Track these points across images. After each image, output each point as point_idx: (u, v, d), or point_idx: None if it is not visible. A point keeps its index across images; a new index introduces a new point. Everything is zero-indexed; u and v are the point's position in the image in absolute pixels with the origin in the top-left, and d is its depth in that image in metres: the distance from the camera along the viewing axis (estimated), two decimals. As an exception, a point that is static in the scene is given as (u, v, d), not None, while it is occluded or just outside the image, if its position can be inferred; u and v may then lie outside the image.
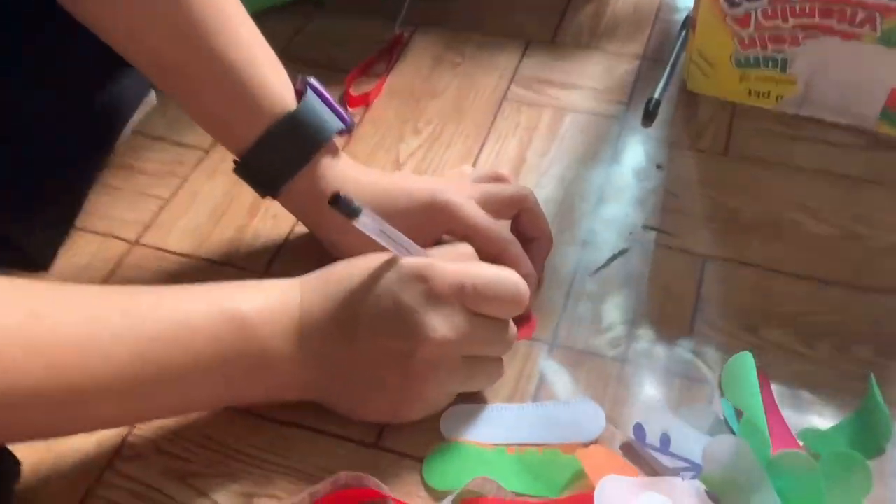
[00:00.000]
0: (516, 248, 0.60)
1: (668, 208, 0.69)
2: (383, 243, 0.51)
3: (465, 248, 0.56)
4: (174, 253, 0.67)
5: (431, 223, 0.60)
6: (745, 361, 0.53)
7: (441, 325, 0.50)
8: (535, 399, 0.57)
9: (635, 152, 0.73)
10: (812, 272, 0.64)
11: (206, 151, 0.74)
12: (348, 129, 0.62)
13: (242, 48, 0.58)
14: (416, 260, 0.52)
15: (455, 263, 0.52)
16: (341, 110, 0.62)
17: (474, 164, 0.72)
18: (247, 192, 0.69)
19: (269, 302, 0.52)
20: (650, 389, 0.58)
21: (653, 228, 0.67)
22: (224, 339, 0.49)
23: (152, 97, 0.75)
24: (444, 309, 0.51)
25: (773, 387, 0.57)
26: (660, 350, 0.60)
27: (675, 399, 0.57)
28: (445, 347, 0.51)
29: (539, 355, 0.60)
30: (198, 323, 0.49)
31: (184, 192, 0.71)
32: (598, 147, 0.74)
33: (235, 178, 0.71)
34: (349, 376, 0.53)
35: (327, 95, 0.61)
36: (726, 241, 0.66)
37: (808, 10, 0.69)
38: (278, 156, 0.60)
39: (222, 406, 0.55)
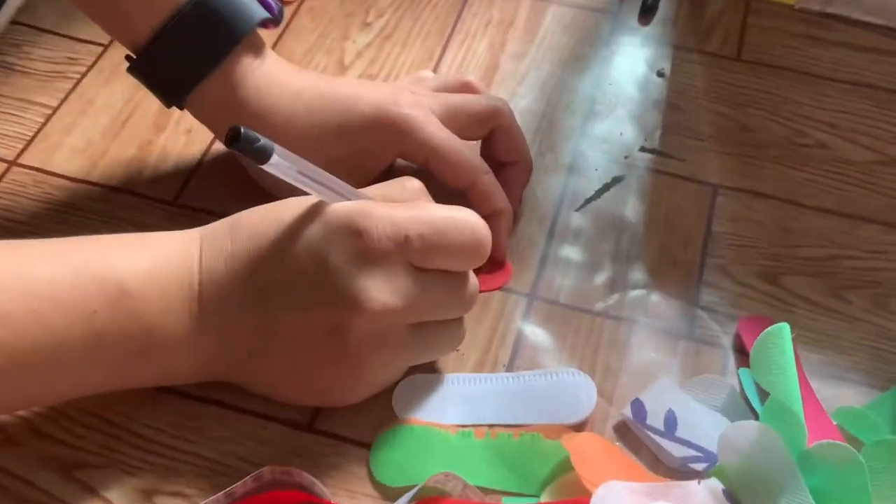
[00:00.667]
0: (488, 177, 0.49)
1: (670, 126, 0.57)
2: (306, 189, 0.40)
3: (412, 184, 0.44)
4: (61, 176, 0.54)
5: (381, 144, 0.49)
6: (782, 335, 0.42)
7: (380, 290, 0.40)
8: (510, 368, 0.46)
9: (631, 56, 0.61)
10: (843, 206, 0.54)
11: (105, 47, 0.60)
12: (275, 21, 0.50)
13: None
14: (348, 206, 0.40)
15: (397, 208, 0.41)
16: None
17: (436, 70, 0.60)
18: (152, 101, 0.57)
19: (157, 264, 0.40)
20: (651, 355, 0.47)
21: (652, 151, 0.56)
22: (98, 316, 0.38)
23: (34, -22, 0.61)
24: (383, 269, 0.40)
25: (799, 351, 0.47)
26: (662, 304, 0.49)
27: (680, 366, 0.47)
28: (387, 318, 0.40)
29: (515, 312, 0.49)
30: (62, 295, 0.38)
31: (75, 99, 0.57)
32: (586, 49, 0.61)
33: (138, 81, 0.58)
34: (265, 356, 0.42)
35: None
36: (741, 167, 0.55)
37: None
38: (182, 53, 0.47)
39: (105, 391, 0.43)
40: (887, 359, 0.47)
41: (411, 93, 0.49)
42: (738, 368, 0.46)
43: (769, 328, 0.42)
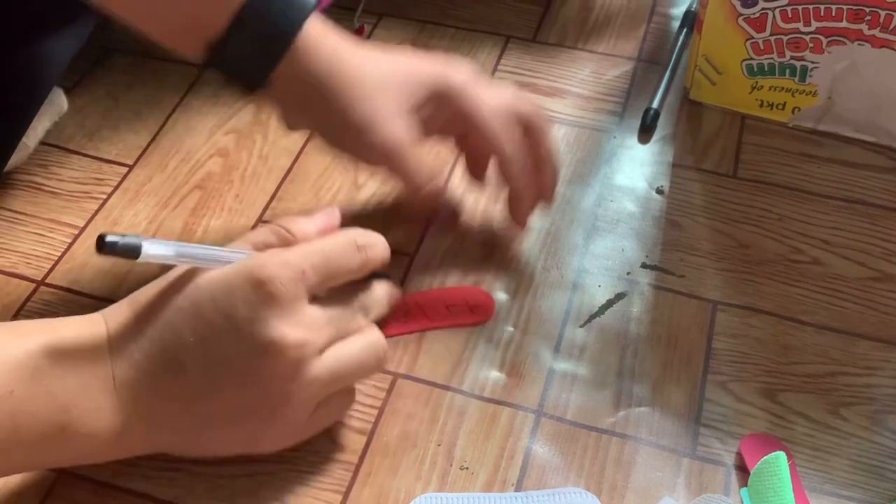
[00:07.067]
0: (517, 151, 0.55)
1: (670, 242, 0.59)
2: (190, 266, 0.44)
3: (276, 228, 0.47)
4: (87, 295, 0.56)
5: (437, 106, 0.53)
6: (778, 463, 0.43)
7: (293, 329, 0.43)
8: (518, 487, 0.48)
9: (631, 173, 0.64)
10: (839, 323, 0.55)
11: (130, 168, 0.63)
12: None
13: None
14: (243, 263, 0.44)
15: (285, 251, 0.44)
16: None
17: (444, 188, 0.62)
18: (176, 219, 0.60)
19: (68, 346, 0.42)
20: (655, 473, 0.49)
21: (654, 267, 0.58)
22: (14, 396, 0.40)
23: (62, 101, 0.64)
24: (289, 309, 0.43)
25: (798, 468, 0.48)
26: (666, 422, 0.51)
27: (685, 485, 0.48)
28: (302, 351, 0.43)
29: (523, 430, 0.50)
30: None
31: (101, 220, 0.60)
32: (587, 167, 0.64)
33: (161, 201, 0.62)
34: (189, 418, 0.44)
35: None
36: (739, 284, 0.57)
37: (834, 13, 0.59)
38: (259, 38, 0.50)
39: (31, 471, 0.46)
40: (884, 476, 0.49)
41: (468, 70, 0.55)
42: (740, 487, 0.48)
43: (766, 456, 0.43)
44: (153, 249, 0.40)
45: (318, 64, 0.51)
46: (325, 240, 0.46)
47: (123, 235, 0.39)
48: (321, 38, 0.51)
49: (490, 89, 0.54)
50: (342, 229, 0.48)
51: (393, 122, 0.52)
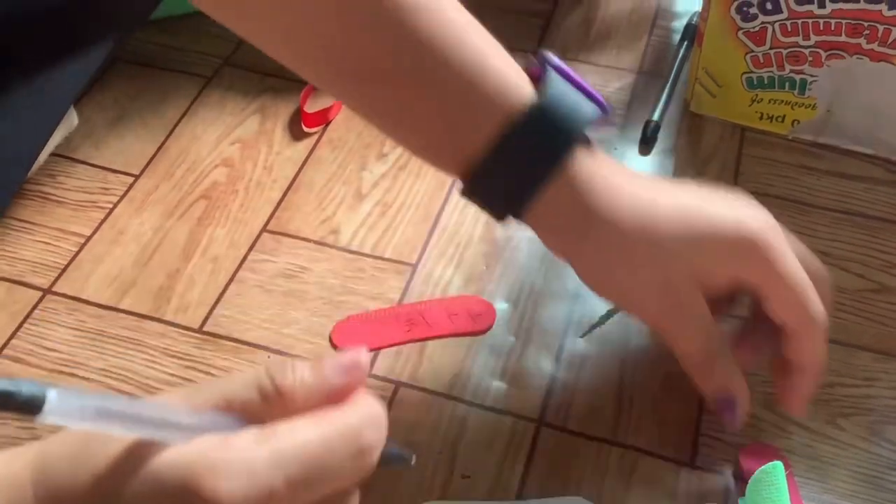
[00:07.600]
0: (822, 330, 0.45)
1: (670, 254, 0.60)
2: (115, 433, 0.29)
3: (267, 382, 0.32)
4: (93, 304, 0.56)
5: (728, 264, 0.44)
6: (776, 472, 0.44)
7: None
8: (519, 495, 0.48)
9: (632, 185, 0.64)
10: (838, 334, 0.55)
11: (136, 177, 0.63)
12: (607, 120, 0.46)
13: (450, 26, 0.43)
14: (185, 457, 0.30)
15: (253, 445, 0.30)
16: (595, 92, 0.45)
17: (446, 199, 0.63)
18: (181, 230, 0.60)
19: None
20: (655, 482, 0.49)
21: (654, 278, 0.58)
22: None
23: (73, 117, 0.64)
24: None
25: (797, 477, 0.49)
26: (666, 431, 0.51)
27: (684, 494, 0.49)
28: None
29: (525, 438, 0.51)
30: None
31: (107, 229, 0.60)
32: (589, 178, 0.64)
33: (167, 210, 0.62)
34: None
35: (573, 74, 0.44)
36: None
37: (833, 27, 0.60)
38: (521, 163, 0.43)
39: None
40: (882, 486, 0.49)
41: (765, 215, 0.46)
42: (739, 497, 0.48)
43: (764, 466, 0.44)
44: (64, 406, 0.27)
45: (588, 197, 0.43)
46: (317, 432, 0.31)
47: (17, 382, 0.26)
48: (590, 164, 0.44)
49: (789, 243, 0.45)
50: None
51: (680, 288, 0.44)
